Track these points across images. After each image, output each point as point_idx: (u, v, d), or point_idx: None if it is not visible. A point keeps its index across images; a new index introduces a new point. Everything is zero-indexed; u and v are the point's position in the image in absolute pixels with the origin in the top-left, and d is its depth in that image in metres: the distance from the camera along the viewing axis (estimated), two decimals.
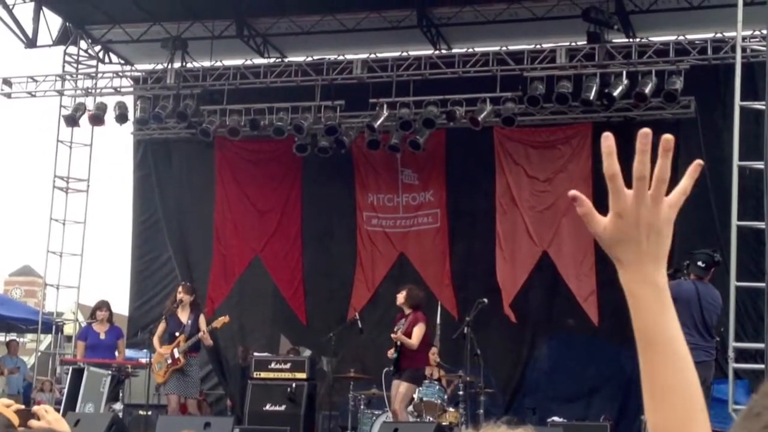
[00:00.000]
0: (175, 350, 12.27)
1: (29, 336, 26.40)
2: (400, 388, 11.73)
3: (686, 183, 1.47)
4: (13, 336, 21.09)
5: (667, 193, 1.47)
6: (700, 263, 9.75)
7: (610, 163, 1.45)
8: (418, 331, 11.69)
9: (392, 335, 11.81)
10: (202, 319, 12.58)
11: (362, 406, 12.55)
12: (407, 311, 11.94)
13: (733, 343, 10.50)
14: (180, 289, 12.83)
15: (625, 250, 1.46)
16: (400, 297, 12.07)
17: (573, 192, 1.46)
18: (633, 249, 1.46)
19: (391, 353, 11.86)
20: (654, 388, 1.44)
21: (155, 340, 12.55)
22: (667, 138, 1.42)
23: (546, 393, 14.85)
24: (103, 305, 13.76)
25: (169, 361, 12.30)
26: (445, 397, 11.84)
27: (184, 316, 12.53)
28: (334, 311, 15.86)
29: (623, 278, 1.49)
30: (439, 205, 16.15)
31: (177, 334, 12.37)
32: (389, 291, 16.17)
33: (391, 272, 16.24)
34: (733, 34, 12.49)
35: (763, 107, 10.47)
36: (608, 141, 1.45)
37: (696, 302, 9.33)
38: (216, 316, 13.52)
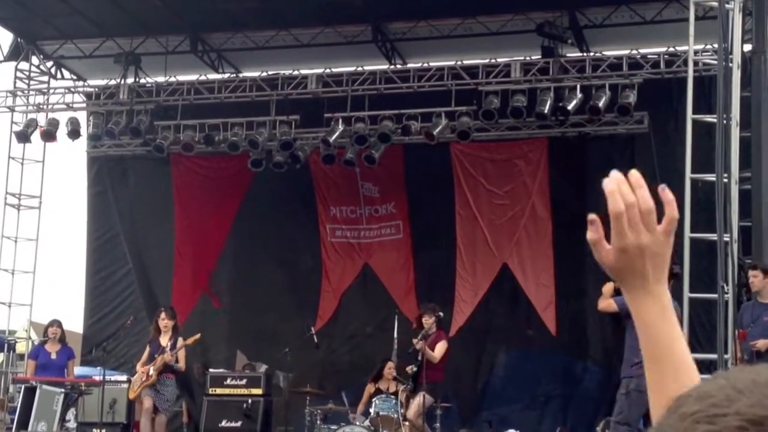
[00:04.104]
0: (151, 368, 12.48)
1: None
2: (417, 398, 11.77)
3: (671, 210, 1.52)
4: None
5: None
6: None
7: (615, 202, 1.49)
8: (441, 347, 11.91)
9: (416, 346, 11.81)
10: (180, 342, 12.64)
11: (318, 422, 12.46)
12: (432, 331, 11.99)
13: None
14: (162, 315, 12.90)
15: (632, 278, 1.53)
16: (429, 322, 12.03)
17: (592, 216, 1.50)
18: (638, 276, 1.52)
19: (411, 369, 11.99)
20: (662, 400, 1.43)
21: (138, 366, 12.80)
22: (636, 175, 1.49)
23: (503, 405, 14.85)
24: (54, 323, 13.62)
25: (143, 379, 12.53)
26: (402, 411, 11.83)
27: (164, 339, 12.71)
28: (299, 325, 15.70)
29: (631, 302, 1.55)
30: (401, 217, 16.18)
31: (156, 356, 12.58)
32: (350, 302, 16.18)
33: (355, 282, 16.27)
34: (685, 48, 12.62)
35: (715, 120, 10.59)
36: (611, 183, 1.49)
37: None
38: (184, 330, 13.47)
